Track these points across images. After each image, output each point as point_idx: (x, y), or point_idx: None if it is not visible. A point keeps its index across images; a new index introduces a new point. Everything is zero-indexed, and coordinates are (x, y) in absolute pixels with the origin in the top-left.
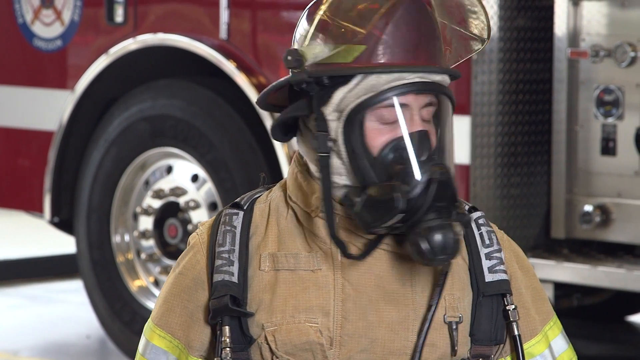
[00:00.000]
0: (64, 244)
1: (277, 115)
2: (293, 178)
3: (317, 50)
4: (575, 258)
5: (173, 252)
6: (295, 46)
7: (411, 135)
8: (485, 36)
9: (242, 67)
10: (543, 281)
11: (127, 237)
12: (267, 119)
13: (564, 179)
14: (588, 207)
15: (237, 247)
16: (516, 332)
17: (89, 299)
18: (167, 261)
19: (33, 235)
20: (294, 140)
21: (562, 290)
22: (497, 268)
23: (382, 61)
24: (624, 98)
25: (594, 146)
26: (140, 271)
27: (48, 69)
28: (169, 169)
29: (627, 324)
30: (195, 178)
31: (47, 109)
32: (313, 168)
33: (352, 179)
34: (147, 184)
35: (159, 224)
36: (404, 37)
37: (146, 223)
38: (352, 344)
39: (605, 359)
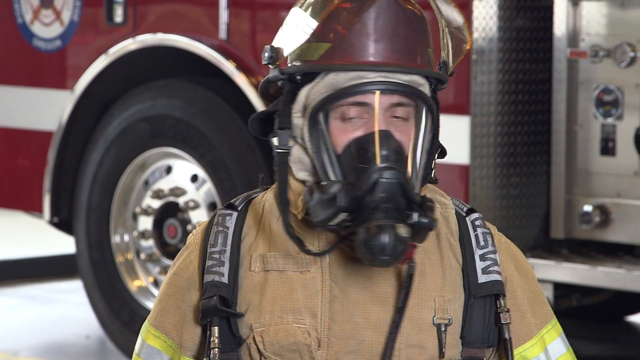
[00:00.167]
0: (64, 244)
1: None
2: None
3: (287, 47)
4: (574, 258)
5: (172, 252)
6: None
7: (369, 135)
8: (465, 37)
9: (242, 67)
10: (542, 281)
11: (126, 237)
12: None
13: (563, 179)
14: (587, 207)
15: (228, 248)
16: (506, 335)
17: (88, 299)
18: (167, 261)
19: (32, 235)
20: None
21: (562, 291)
22: (490, 269)
23: (344, 59)
24: (623, 98)
25: (593, 146)
26: (139, 271)
27: (47, 69)
28: (169, 169)
29: (627, 324)
30: (194, 178)
31: (47, 109)
32: (294, 168)
33: (319, 176)
34: (146, 184)
35: (158, 224)
36: (368, 36)
37: (146, 223)
38: (339, 345)
39: (605, 359)
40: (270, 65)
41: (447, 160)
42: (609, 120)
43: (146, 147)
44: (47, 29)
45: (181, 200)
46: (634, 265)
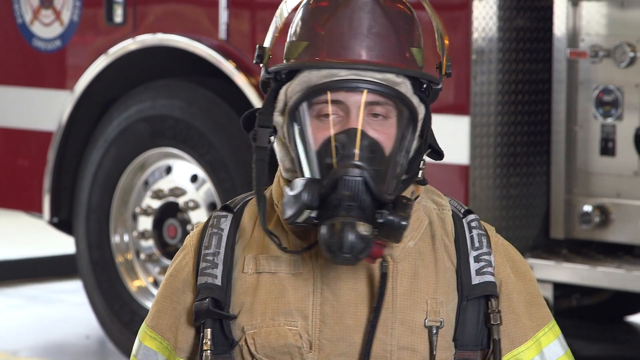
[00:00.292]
0: (63, 244)
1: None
2: (277, 182)
3: (266, 43)
4: (574, 258)
5: (172, 253)
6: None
7: (340, 132)
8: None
9: (242, 67)
10: (542, 281)
11: (126, 238)
12: None
13: (563, 179)
14: (587, 208)
15: (222, 250)
16: (495, 336)
17: (88, 299)
18: (167, 261)
19: (32, 235)
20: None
21: (562, 291)
22: (484, 270)
23: (318, 57)
24: (623, 98)
25: (593, 146)
26: (139, 271)
27: (47, 69)
28: (168, 169)
29: (627, 324)
30: (194, 178)
31: (47, 109)
32: (281, 167)
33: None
34: (146, 184)
35: (158, 224)
36: (343, 34)
37: (145, 223)
38: (330, 348)
39: (605, 359)
40: (260, 64)
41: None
42: (609, 120)
43: (146, 147)
44: (46, 29)
45: (181, 201)
46: (634, 265)
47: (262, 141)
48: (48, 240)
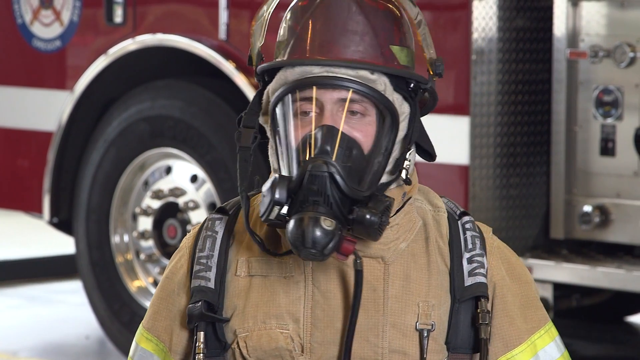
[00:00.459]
0: (63, 244)
1: None
2: None
3: (253, 48)
4: (574, 258)
5: (172, 253)
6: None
7: (311, 130)
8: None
9: (241, 67)
10: (542, 282)
11: (126, 238)
12: None
13: (563, 180)
14: (587, 208)
15: (216, 253)
16: (483, 335)
17: (88, 300)
18: (166, 262)
19: (32, 235)
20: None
21: (562, 291)
22: (476, 271)
23: (294, 56)
24: (623, 98)
25: (593, 147)
26: (139, 272)
27: (47, 70)
28: (168, 170)
29: (627, 325)
30: (194, 178)
31: (46, 110)
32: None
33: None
34: (146, 184)
35: (158, 224)
36: (318, 32)
37: (145, 223)
38: (321, 351)
39: (605, 359)
40: (251, 66)
41: (447, 160)
42: (609, 120)
43: (146, 148)
44: (46, 30)
45: (181, 201)
46: (634, 265)
47: (245, 141)
48: (48, 240)
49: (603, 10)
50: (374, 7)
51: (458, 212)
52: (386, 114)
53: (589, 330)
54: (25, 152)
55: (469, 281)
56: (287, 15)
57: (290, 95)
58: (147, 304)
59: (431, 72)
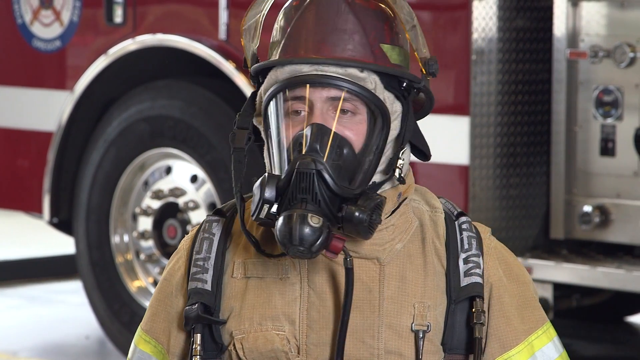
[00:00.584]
0: (63, 244)
1: None
2: None
3: (249, 48)
4: (574, 259)
5: (172, 253)
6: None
7: (301, 129)
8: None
9: (241, 67)
10: (542, 282)
11: (126, 238)
12: None
13: (563, 180)
14: (587, 208)
15: (213, 255)
16: (477, 335)
17: (88, 300)
18: (166, 262)
19: (32, 235)
20: None
21: (561, 291)
22: (472, 272)
23: (285, 55)
24: (623, 99)
25: (593, 147)
26: (139, 272)
27: (47, 70)
28: (168, 170)
29: (627, 325)
30: (194, 179)
31: (47, 110)
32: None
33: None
34: (146, 184)
35: (158, 224)
36: (307, 31)
37: (145, 224)
38: (317, 353)
39: (605, 359)
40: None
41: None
42: (609, 120)
43: (146, 148)
44: (46, 30)
45: (181, 201)
46: (634, 265)
47: (239, 142)
48: (48, 241)
49: (603, 10)
50: (364, 7)
51: (455, 213)
52: (376, 112)
53: (589, 330)
54: (25, 152)
55: (464, 281)
56: (280, 16)
57: (280, 95)
58: (147, 304)
59: (424, 72)
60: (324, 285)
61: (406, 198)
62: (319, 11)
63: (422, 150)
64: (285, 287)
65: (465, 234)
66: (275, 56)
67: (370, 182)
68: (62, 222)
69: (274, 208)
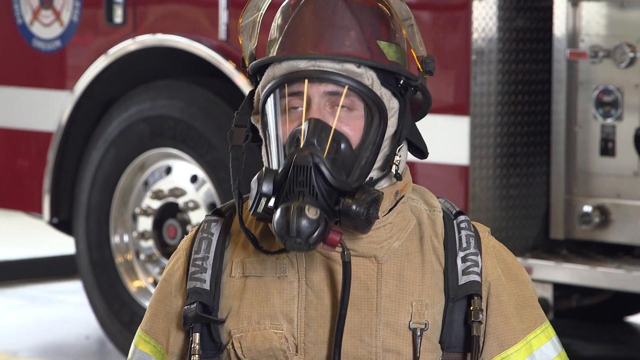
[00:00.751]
0: (63, 244)
1: None
2: None
3: (247, 47)
4: (574, 259)
5: (172, 253)
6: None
7: (299, 124)
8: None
9: (241, 67)
10: (542, 282)
11: (126, 238)
12: None
13: (563, 180)
14: (587, 208)
15: (211, 254)
16: (474, 333)
17: (88, 300)
18: (166, 262)
19: (32, 235)
20: None
21: (561, 291)
22: (470, 270)
23: (282, 52)
24: (623, 99)
25: (593, 147)
26: (139, 272)
27: (47, 70)
28: (168, 170)
29: (626, 325)
30: (194, 179)
31: (46, 110)
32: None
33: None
34: (146, 184)
35: (158, 224)
36: (304, 28)
37: (145, 224)
38: (315, 351)
39: (605, 359)
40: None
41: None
42: (609, 120)
43: (146, 148)
44: (46, 30)
45: (181, 201)
46: (634, 265)
47: (237, 140)
48: (48, 241)
49: (603, 11)
50: (361, 4)
51: (454, 212)
52: (374, 108)
53: (589, 330)
54: (25, 152)
55: (462, 280)
56: (277, 14)
57: (277, 91)
58: (147, 304)
59: (421, 70)
60: (321, 283)
61: (403, 196)
62: (316, 8)
63: (419, 148)
64: (283, 286)
65: (463, 232)
66: (273, 54)
67: (368, 179)
68: (62, 222)
69: (272, 202)
